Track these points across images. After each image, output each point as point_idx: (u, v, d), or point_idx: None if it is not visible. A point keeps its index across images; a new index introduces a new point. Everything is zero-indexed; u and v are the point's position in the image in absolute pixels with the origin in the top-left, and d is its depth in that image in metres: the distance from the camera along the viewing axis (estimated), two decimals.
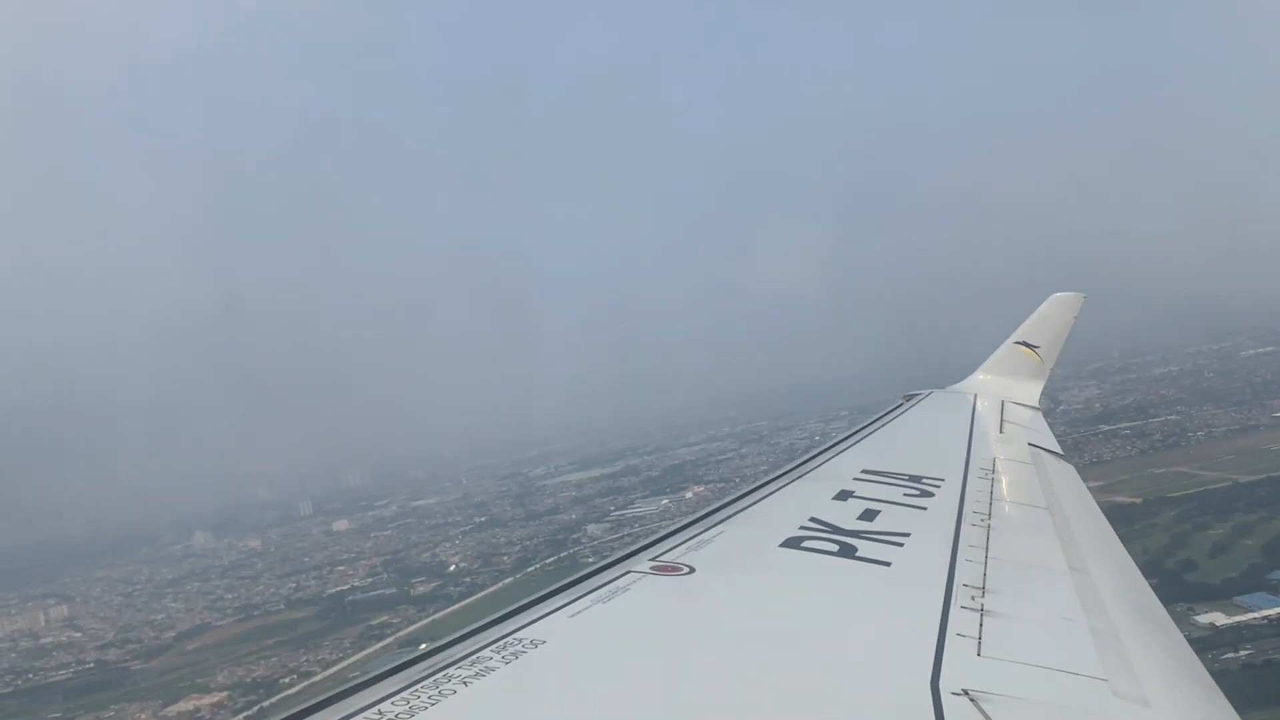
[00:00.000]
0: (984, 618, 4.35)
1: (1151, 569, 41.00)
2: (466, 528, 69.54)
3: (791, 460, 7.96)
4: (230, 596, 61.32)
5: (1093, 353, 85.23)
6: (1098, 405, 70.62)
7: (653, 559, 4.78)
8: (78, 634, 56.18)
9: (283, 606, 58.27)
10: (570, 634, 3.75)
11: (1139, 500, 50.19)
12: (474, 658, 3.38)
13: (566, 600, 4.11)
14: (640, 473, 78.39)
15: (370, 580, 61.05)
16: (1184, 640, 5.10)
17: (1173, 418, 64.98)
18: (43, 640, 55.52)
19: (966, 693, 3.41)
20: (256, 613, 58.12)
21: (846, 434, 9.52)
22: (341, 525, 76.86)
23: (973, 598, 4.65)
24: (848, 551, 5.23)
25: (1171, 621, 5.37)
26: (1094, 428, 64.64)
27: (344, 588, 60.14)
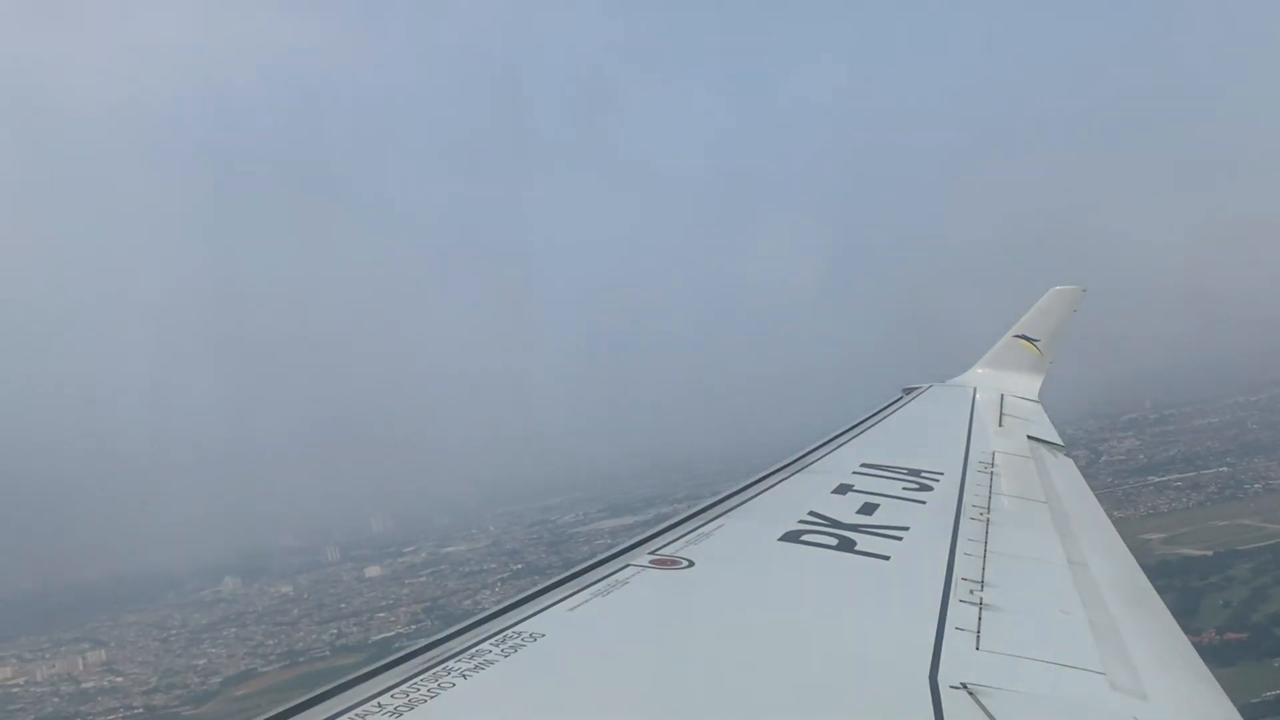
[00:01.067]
0: (983, 611, 4.36)
1: (1239, 623, 40.86)
2: (504, 575, 68.43)
3: (791, 454, 7.96)
4: (272, 643, 60.48)
5: (1125, 404, 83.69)
6: (1141, 456, 69.29)
7: (651, 552, 4.78)
8: (119, 679, 55.39)
9: (328, 653, 57.54)
10: (569, 627, 3.75)
11: (1209, 553, 49.62)
12: (473, 651, 3.38)
13: (565, 594, 4.11)
14: None
15: (414, 627, 59.88)
16: (1182, 634, 5.12)
17: (1224, 469, 63.80)
18: (84, 685, 54.66)
19: (965, 686, 3.41)
20: (302, 659, 57.23)
21: (846, 428, 9.52)
22: (374, 571, 75.83)
23: (971, 591, 4.65)
24: (847, 545, 5.23)
25: (1169, 615, 5.39)
26: (1143, 479, 63.61)
27: (389, 634, 59.15)
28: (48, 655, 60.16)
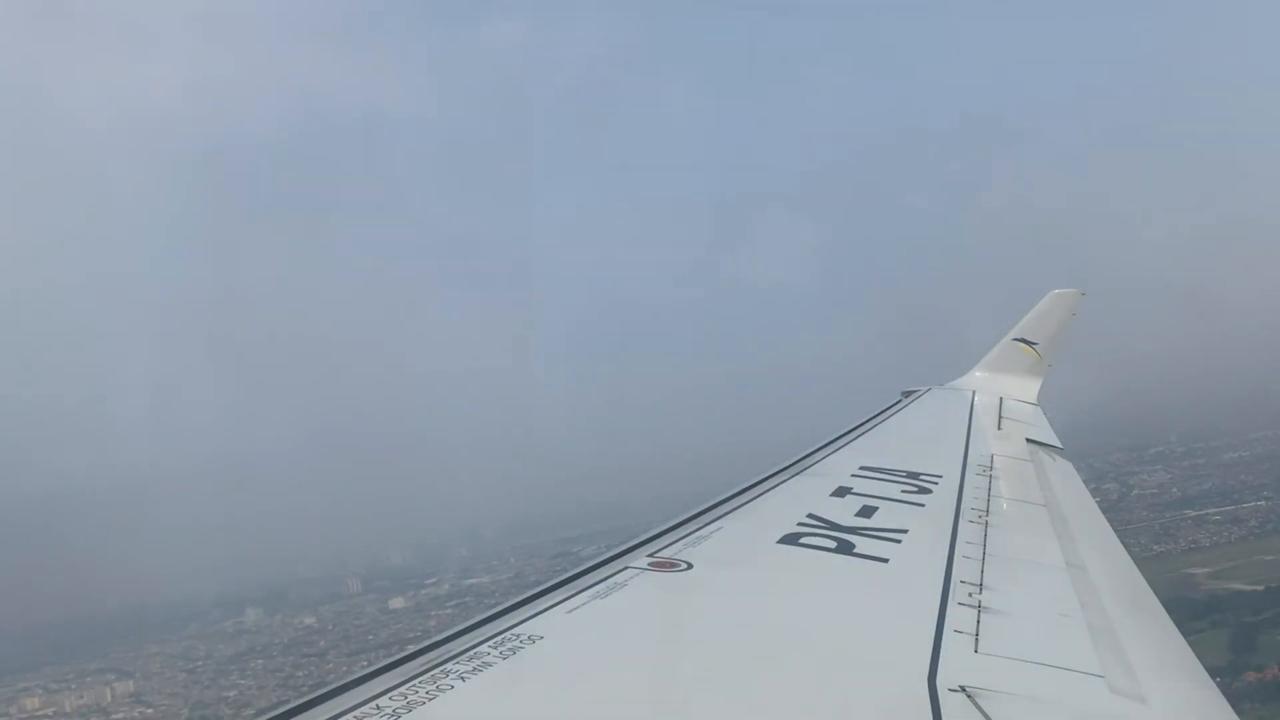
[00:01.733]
0: (981, 614, 4.36)
1: None
2: None
3: (789, 456, 7.95)
4: (301, 674, 58.45)
5: (1150, 436, 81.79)
6: (1175, 490, 67.68)
7: (650, 555, 4.78)
8: (149, 710, 54.08)
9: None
10: (568, 630, 3.75)
11: (1260, 588, 48.16)
12: (471, 653, 3.39)
13: (564, 596, 4.11)
14: None
15: None
16: (1180, 636, 5.12)
17: (1262, 503, 62.54)
18: (114, 716, 53.38)
19: (964, 689, 3.41)
20: None
21: (844, 430, 9.52)
22: (398, 603, 74.54)
23: (970, 594, 4.65)
24: (845, 548, 5.23)
25: (1168, 617, 5.39)
26: (1179, 513, 62.41)
27: None
28: (74, 686, 59.08)
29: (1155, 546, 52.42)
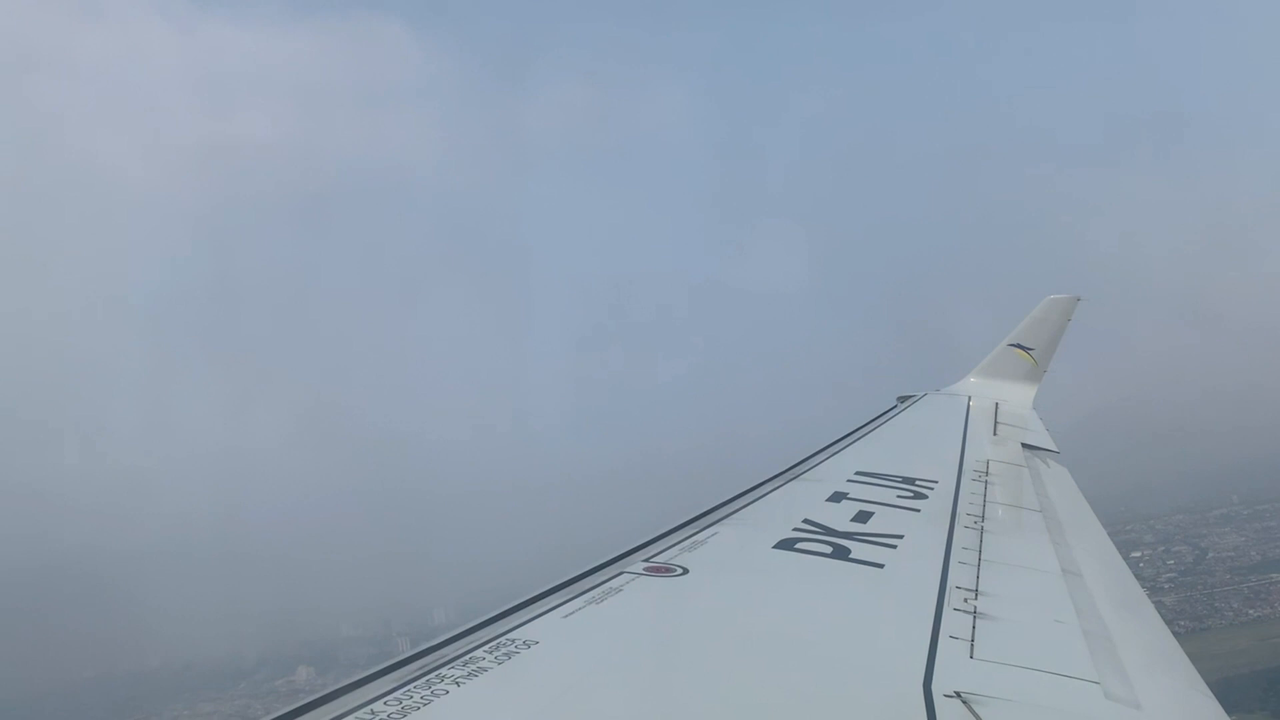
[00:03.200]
0: (977, 620, 4.36)
1: None
2: None
3: (785, 462, 7.96)
4: None
5: (1210, 498, 79.20)
6: (1254, 553, 64.58)
7: (646, 560, 4.78)
8: None
9: None
10: (563, 635, 3.74)
11: None
12: (466, 658, 3.38)
13: (559, 601, 4.11)
14: None
15: None
16: (1175, 643, 5.13)
17: None
18: None
19: (959, 695, 3.41)
20: None
21: (841, 436, 9.53)
22: None
23: (965, 600, 4.65)
24: (841, 553, 5.23)
25: (1163, 624, 5.40)
26: (1266, 576, 60.01)
27: None
28: None
29: (1250, 611, 51.06)
